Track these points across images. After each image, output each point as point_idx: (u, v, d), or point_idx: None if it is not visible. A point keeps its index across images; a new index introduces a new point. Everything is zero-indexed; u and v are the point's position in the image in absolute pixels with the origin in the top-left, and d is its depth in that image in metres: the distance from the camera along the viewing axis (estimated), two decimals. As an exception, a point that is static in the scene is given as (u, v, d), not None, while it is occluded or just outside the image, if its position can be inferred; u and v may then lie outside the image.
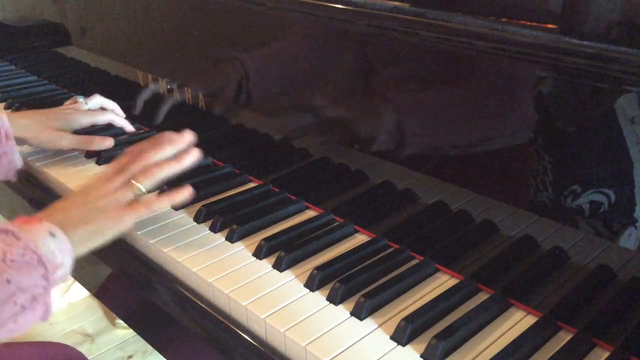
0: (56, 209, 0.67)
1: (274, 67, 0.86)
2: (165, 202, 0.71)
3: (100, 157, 0.95)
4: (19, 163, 0.87)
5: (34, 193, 0.93)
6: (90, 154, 0.97)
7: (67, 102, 1.02)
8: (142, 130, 1.07)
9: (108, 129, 1.01)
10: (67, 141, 0.92)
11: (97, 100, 1.02)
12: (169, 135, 0.75)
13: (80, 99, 1.01)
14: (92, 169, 0.93)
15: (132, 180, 0.69)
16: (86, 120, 0.96)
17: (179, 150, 0.74)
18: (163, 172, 0.71)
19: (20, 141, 0.89)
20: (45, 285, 0.58)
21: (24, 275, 0.56)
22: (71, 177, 0.90)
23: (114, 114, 1.01)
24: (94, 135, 0.95)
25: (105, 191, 0.69)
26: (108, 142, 0.94)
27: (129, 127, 1.01)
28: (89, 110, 0.99)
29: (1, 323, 0.55)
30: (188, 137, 0.76)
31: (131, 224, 0.69)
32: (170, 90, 1.03)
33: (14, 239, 0.57)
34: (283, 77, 0.85)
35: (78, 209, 0.67)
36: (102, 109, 1.02)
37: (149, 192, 0.70)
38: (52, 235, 0.61)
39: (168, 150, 0.74)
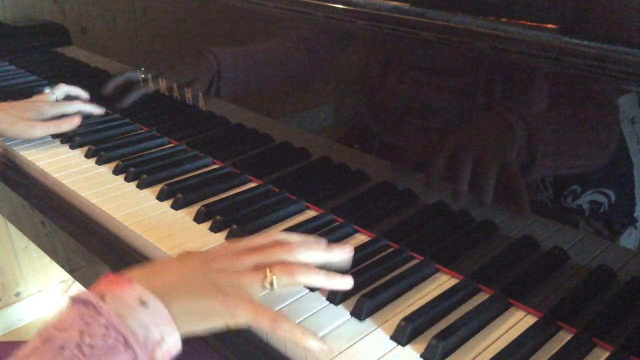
0: (157, 272, 0.55)
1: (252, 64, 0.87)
2: (294, 333, 0.54)
3: (101, 157, 0.95)
4: None
5: (36, 194, 0.93)
6: (89, 154, 0.97)
7: (36, 95, 1.07)
8: (142, 130, 1.07)
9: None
10: (40, 129, 0.98)
11: (63, 89, 1.08)
12: (324, 241, 0.62)
13: (47, 90, 1.07)
14: (93, 169, 0.93)
15: (267, 269, 0.56)
16: (55, 111, 1.02)
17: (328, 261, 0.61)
18: (305, 277, 0.57)
19: None
20: None
21: None
22: (72, 177, 0.90)
23: (81, 102, 1.07)
24: (61, 119, 1.01)
25: (230, 266, 0.56)
26: (75, 121, 1.00)
27: (97, 111, 1.08)
28: (56, 101, 1.05)
29: None
30: (348, 253, 0.62)
31: (243, 324, 0.54)
32: (170, 88, 1.03)
33: (94, 314, 0.46)
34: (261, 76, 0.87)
35: (189, 277, 0.54)
36: (68, 96, 1.09)
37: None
38: (144, 304, 0.48)
39: (320, 255, 0.60)
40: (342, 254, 0.62)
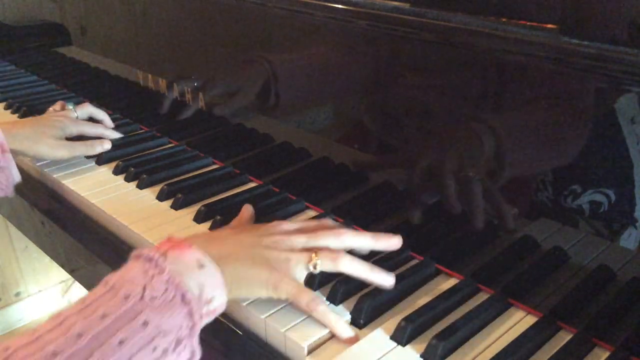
0: (215, 239, 0.61)
1: (303, 68, 0.82)
2: (328, 319, 0.58)
3: (101, 157, 0.95)
4: (17, 177, 0.84)
5: (36, 194, 0.93)
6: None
7: (53, 107, 1.01)
8: (142, 131, 1.07)
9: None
10: (67, 150, 0.91)
11: (87, 109, 1.01)
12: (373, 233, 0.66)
13: (70, 106, 1.00)
14: (93, 169, 0.93)
15: (314, 253, 0.60)
16: (75, 129, 0.95)
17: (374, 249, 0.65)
18: (347, 266, 0.61)
19: (16, 153, 0.87)
20: (191, 326, 0.50)
21: (166, 316, 0.48)
22: (72, 177, 0.90)
23: (103, 127, 0.99)
24: (92, 140, 0.95)
25: (280, 243, 0.61)
26: (107, 145, 0.94)
27: (116, 136, 1.01)
28: (78, 119, 0.98)
29: None
30: (397, 242, 0.65)
31: (284, 298, 0.59)
32: (170, 89, 1.03)
33: (157, 271, 0.50)
34: (311, 79, 0.82)
35: (243, 248, 0.59)
36: (91, 118, 1.01)
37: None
38: (201, 266, 0.53)
39: (367, 241, 0.64)
40: (389, 241, 0.65)
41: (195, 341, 0.51)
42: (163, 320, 0.48)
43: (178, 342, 0.49)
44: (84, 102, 1.03)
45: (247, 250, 0.59)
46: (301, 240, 0.62)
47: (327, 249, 0.61)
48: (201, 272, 0.53)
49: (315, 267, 0.60)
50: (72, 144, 0.92)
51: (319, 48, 0.78)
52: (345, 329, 0.58)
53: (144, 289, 0.49)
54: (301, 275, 0.60)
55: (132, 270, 0.51)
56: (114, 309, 0.47)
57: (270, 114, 0.87)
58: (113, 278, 0.50)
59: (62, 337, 0.45)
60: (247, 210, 0.74)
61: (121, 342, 0.46)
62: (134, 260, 0.52)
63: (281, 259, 0.59)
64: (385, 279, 0.62)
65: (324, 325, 0.58)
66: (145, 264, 0.51)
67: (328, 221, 0.67)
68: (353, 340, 0.58)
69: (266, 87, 0.83)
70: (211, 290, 0.53)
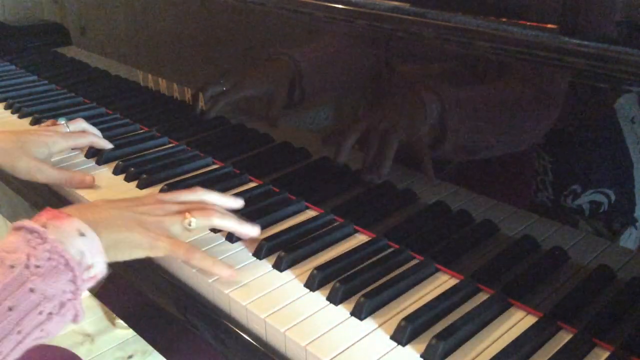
0: (89, 208, 0.65)
1: (327, 65, 0.81)
2: (206, 263, 0.65)
3: (101, 157, 0.95)
4: None
5: (36, 194, 0.93)
6: (89, 154, 0.97)
7: (46, 123, 0.97)
8: (142, 131, 1.07)
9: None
10: (45, 175, 0.84)
11: (80, 125, 0.96)
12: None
13: (62, 121, 0.95)
14: (93, 169, 0.93)
15: (186, 212, 0.66)
16: (67, 144, 0.91)
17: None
18: (219, 220, 0.68)
19: None
20: (74, 290, 0.54)
21: (50, 282, 0.52)
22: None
23: (95, 136, 0.95)
24: (75, 171, 0.89)
25: (154, 210, 0.66)
26: (88, 180, 0.86)
27: (109, 146, 0.96)
28: (70, 132, 0.94)
29: (27, 332, 0.51)
30: (239, 201, 0.75)
31: (162, 255, 0.65)
32: (170, 88, 1.03)
33: (39, 241, 0.53)
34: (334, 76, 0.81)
35: (117, 214, 0.64)
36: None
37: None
38: (82, 234, 0.57)
39: (232, 203, 0.73)
40: (235, 202, 0.74)
41: (79, 303, 0.54)
42: (48, 286, 0.51)
43: (62, 305, 0.53)
44: (78, 118, 0.98)
45: (123, 216, 0.63)
46: (175, 207, 0.67)
47: (199, 208, 0.68)
48: (82, 240, 0.56)
49: (190, 225, 0.66)
50: (52, 170, 0.85)
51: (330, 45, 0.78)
52: (223, 268, 0.65)
53: (28, 257, 0.51)
54: (178, 233, 0.66)
55: (14, 242, 0.53)
56: (1, 278, 0.50)
57: (296, 109, 0.85)
58: None
59: None
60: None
61: (10, 309, 0.49)
62: (15, 232, 0.54)
63: (155, 222, 0.65)
64: (252, 230, 0.70)
65: (206, 272, 0.65)
66: (27, 234, 0.53)
67: (197, 189, 0.72)
68: (234, 276, 0.65)
69: (292, 85, 0.83)
70: (91, 257, 0.56)
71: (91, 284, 0.58)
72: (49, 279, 0.52)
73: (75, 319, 0.55)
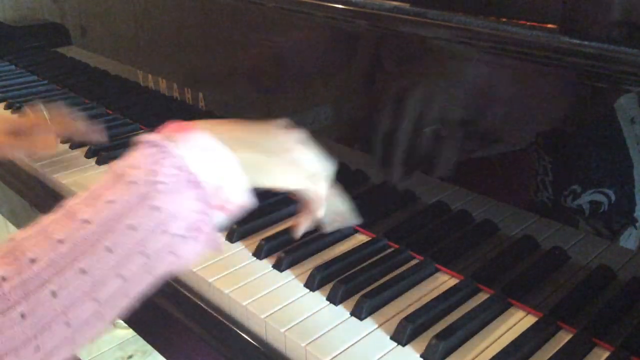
0: (219, 122, 0.55)
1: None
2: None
3: (101, 157, 0.95)
4: None
5: (36, 194, 0.93)
6: (89, 154, 0.97)
7: (27, 112, 0.95)
8: (142, 130, 1.07)
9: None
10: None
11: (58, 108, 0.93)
12: None
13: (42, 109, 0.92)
14: (93, 169, 0.93)
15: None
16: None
17: None
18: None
19: None
20: (203, 209, 0.47)
21: (176, 200, 0.46)
22: (71, 177, 0.90)
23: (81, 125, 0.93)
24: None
25: (287, 143, 0.56)
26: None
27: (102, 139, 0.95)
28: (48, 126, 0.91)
29: (154, 255, 0.45)
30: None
31: (303, 188, 0.56)
32: (170, 88, 1.03)
33: (163, 155, 0.47)
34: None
35: (255, 134, 0.55)
36: None
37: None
38: (212, 149, 0.49)
39: None
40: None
41: (212, 227, 0.47)
42: (174, 203, 0.45)
43: (192, 226, 0.46)
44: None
45: (261, 136, 0.55)
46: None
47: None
48: (212, 155, 0.49)
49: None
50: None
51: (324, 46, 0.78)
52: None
53: (151, 173, 0.46)
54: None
55: (140, 157, 0.47)
56: (120, 194, 0.45)
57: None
58: (117, 166, 0.47)
59: (68, 225, 0.43)
60: None
61: (131, 227, 0.44)
62: (142, 146, 0.48)
63: (289, 152, 0.56)
64: None
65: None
66: (150, 148, 0.47)
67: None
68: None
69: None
70: (222, 176, 0.49)
71: (230, 209, 0.49)
72: (175, 196, 0.46)
73: (211, 244, 0.48)
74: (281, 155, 0.55)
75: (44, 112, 0.92)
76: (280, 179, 0.54)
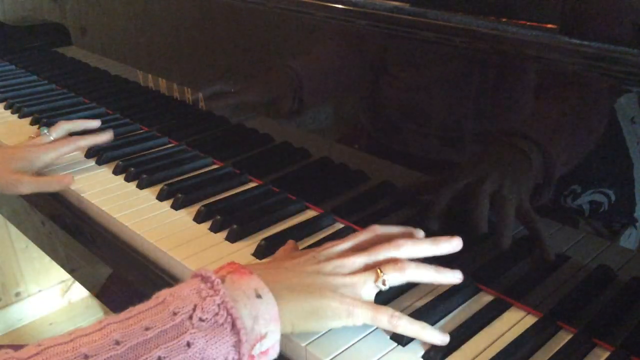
0: (272, 267, 0.57)
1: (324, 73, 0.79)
2: (414, 328, 0.56)
3: (101, 157, 0.95)
4: None
5: (36, 194, 0.93)
6: (89, 154, 0.97)
7: (31, 135, 0.96)
8: (142, 131, 1.07)
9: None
10: (26, 186, 0.84)
11: (62, 128, 0.96)
12: (422, 232, 0.64)
13: (44, 131, 0.94)
14: (93, 169, 0.93)
15: (378, 268, 0.57)
16: (49, 157, 0.89)
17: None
18: (414, 272, 0.58)
19: None
20: (237, 359, 0.47)
21: (212, 342, 0.45)
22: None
23: (79, 139, 0.94)
24: (52, 175, 0.90)
25: (342, 268, 0.57)
26: (67, 180, 0.86)
27: (104, 139, 0.96)
28: (52, 142, 0.92)
29: None
30: (457, 243, 0.61)
31: (360, 324, 0.55)
32: (170, 88, 1.03)
33: (211, 292, 0.47)
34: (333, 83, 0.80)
35: (306, 280, 0.55)
36: (71, 134, 0.97)
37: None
38: (259, 296, 0.49)
39: (427, 249, 0.60)
40: (450, 245, 0.61)
41: None
42: (208, 345, 0.45)
43: None
44: (58, 122, 0.97)
45: (311, 280, 0.55)
46: (362, 260, 0.58)
47: (390, 261, 0.58)
48: (258, 303, 0.49)
49: (384, 284, 0.56)
50: (32, 179, 0.85)
51: (329, 48, 0.78)
52: (434, 335, 0.56)
53: (195, 308, 0.46)
54: (371, 295, 0.57)
55: (186, 288, 0.48)
56: (159, 323, 0.45)
57: (291, 118, 0.86)
58: (165, 293, 0.48)
59: (98, 341, 0.44)
60: (292, 242, 0.69)
61: (160, 359, 0.44)
62: (191, 279, 0.50)
63: (348, 283, 0.56)
64: (454, 277, 0.60)
65: (414, 337, 0.57)
66: (201, 284, 0.48)
67: (375, 228, 0.63)
68: (447, 341, 0.56)
69: (292, 95, 0.82)
70: (265, 324, 0.49)
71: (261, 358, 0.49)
72: (211, 337, 0.45)
73: None
74: (330, 296, 0.54)
75: (48, 136, 0.93)
76: (332, 323, 0.55)
